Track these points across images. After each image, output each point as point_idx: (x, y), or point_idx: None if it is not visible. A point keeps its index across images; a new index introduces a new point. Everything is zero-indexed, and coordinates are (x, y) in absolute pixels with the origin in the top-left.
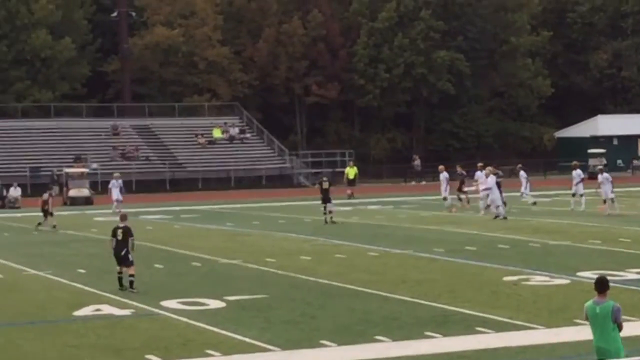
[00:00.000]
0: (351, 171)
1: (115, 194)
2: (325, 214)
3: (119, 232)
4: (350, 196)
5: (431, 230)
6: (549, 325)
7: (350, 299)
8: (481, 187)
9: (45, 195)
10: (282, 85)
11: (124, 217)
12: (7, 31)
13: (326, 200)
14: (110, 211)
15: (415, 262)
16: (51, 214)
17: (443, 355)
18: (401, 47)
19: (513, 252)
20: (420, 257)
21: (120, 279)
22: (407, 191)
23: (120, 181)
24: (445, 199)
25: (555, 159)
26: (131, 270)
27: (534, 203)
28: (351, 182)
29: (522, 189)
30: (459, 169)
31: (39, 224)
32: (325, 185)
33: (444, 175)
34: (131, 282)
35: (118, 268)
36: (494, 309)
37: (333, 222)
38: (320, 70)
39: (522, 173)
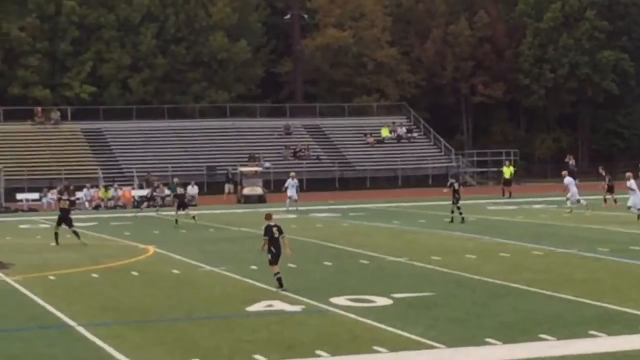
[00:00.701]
0: (507, 171)
1: (290, 192)
2: (453, 212)
3: (275, 229)
4: (507, 195)
5: (595, 229)
6: None
7: (514, 298)
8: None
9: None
10: (448, 85)
11: (270, 216)
12: (186, 34)
13: (458, 200)
14: (284, 209)
15: (579, 261)
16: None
17: (607, 354)
18: (566, 47)
19: None
20: (585, 256)
21: (280, 279)
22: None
23: (295, 180)
24: (578, 200)
25: None
26: (277, 268)
27: None
28: (507, 182)
29: None
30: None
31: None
32: (457, 186)
33: (568, 180)
34: (279, 280)
35: (276, 268)
36: None
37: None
38: (486, 71)
39: None
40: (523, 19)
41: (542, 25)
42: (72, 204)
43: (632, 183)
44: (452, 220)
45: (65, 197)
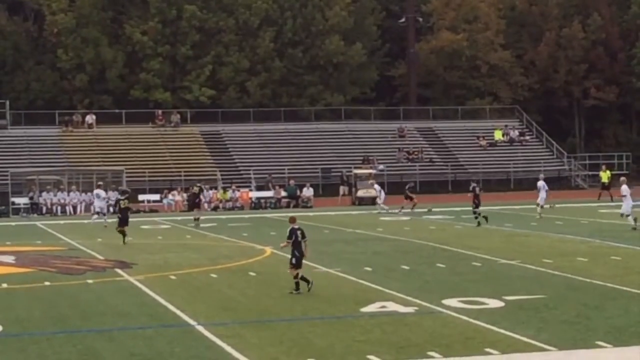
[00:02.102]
0: (604, 175)
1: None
2: (476, 218)
3: (299, 233)
4: (609, 198)
5: None
6: None
7: (626, 301)
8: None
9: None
10: (561, 88)
11: (294, 219)
12: (303, 38)
13: (478, 205)
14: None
15: None
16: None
17: None
18: None
19: None
20: None
21: (298, 283)
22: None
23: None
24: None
25: None
26: (301, 272)
27: None
28: (605, 186)
29: None
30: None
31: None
32: (477, 191)
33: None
34: (297, 284)
35: (299, 271)
36: None
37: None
38: (599, 74)
39: None
40: (636, 22)
41: None
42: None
43: (624, 189)
44: (479, 224)
45: (123, 197)
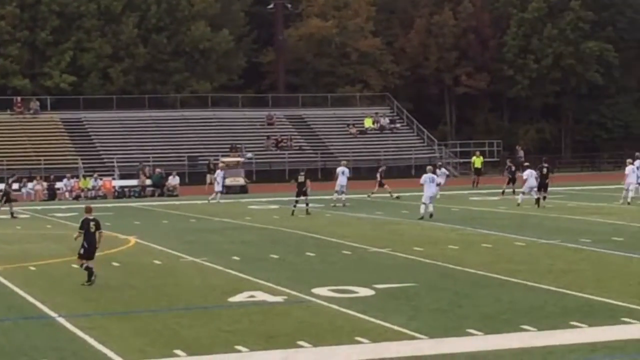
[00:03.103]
0: (478, 160)
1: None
2: (294, 207)
3: (92, 224)
4: (475, 185)
5: (577, 220)
6: None
7: (496, 289)
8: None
9: (301, 178)
10: (432, 75)
11: (90, 209)
12: (168, 23)
13: (300, 194)
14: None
15: (561, 252)
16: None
17: (588, 345)
18: (550, 37)
19: None
20: (567, 247)
21: (89, 271)
22: (555, 181)
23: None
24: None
25: None
26: (92, 264)
27: None
28: (478, 171)
29: None
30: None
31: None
32: (301, 179)
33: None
34: (90, 275)
35: (85, 262)
36: None
37: (308, 214)
38: (470, 61)
39: None
40: (507, 9)
41: (526, 16)
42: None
43: (527, 173)
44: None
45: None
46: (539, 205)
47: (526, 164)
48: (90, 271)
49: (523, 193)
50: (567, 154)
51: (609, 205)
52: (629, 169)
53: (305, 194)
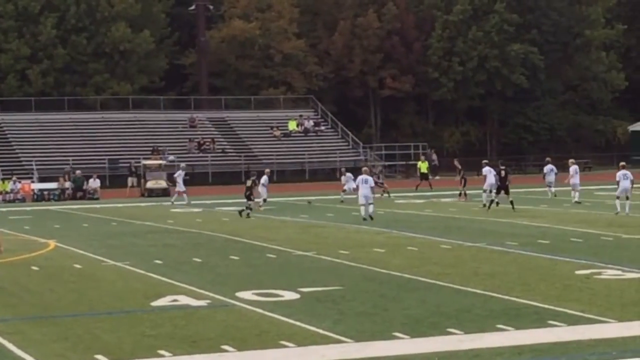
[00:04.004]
0: (423, 165)
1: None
2: (244, 209)
3: None
4: (429, 188)
5: (504, 223)
6: (621, 319)
7: (423, 292)
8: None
9: (249, 182)
10: (356, 78)
11: None
12: (87, 24)
13: (249, 198)
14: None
15: (488, 255)
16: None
17: (514, 348)
18: (475, 40)
19: (585, 246)
20: (493, 250)
21: None
22: (480, 184)
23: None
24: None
25: (629, 153)
26: None
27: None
28: (424, 176)
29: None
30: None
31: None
32: (249, 183)
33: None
34: None
35: None
36: (566, 302)
37: (248, 217)
38: (394, 63)
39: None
40: (432, 12)
41: (451, 18)
42: None
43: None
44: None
45: None
46: (489, 208)
47: (485, 161)
48: None
49: (484, 191)
50: (493, 157)
51: (534, 208)
52: (572, 169)
53: (249, 198)
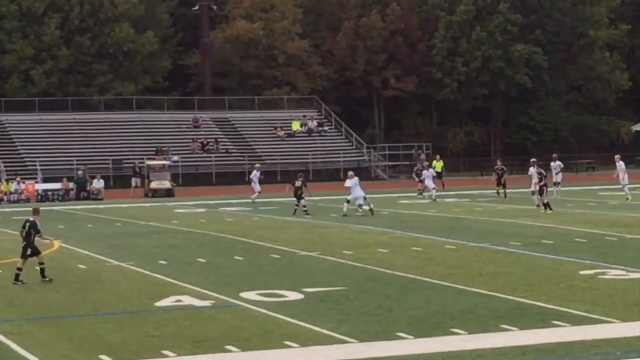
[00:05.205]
0: (438, 165)
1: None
2: (296, 206)
3: (27, 225)
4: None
5: (508, 223)
6: (624, 319)
7: (426, 292)
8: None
9: (298, 182)
10: (360, 78)
11: (36, 211)
12: (91, 25)
13: (299, 197)
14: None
15: (491, 255)
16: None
17: (518, 348)
18: (479, 40)
19: (590, 246)
20: (497, 250)
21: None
22: (484, 184)
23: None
24: (533, 193)
25: (633, 153)
26: (20, 264)
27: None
28: (439, 175)
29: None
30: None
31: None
32: (298, 183)
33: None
34: (17, 275)
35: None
36: (570, 303)
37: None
38: (398, 64)
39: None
40: (436, 12)
41: (454, 18)
42: None
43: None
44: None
45: None
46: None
47: (533, 160)
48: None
49: (533, 193)
50: (497, 157)
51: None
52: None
53: (301, 197)
